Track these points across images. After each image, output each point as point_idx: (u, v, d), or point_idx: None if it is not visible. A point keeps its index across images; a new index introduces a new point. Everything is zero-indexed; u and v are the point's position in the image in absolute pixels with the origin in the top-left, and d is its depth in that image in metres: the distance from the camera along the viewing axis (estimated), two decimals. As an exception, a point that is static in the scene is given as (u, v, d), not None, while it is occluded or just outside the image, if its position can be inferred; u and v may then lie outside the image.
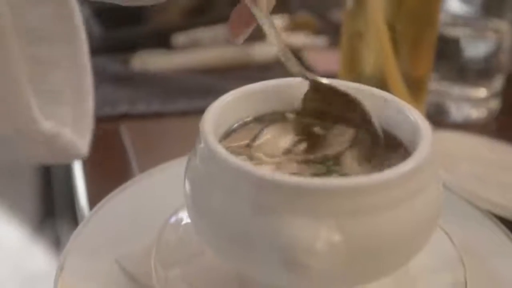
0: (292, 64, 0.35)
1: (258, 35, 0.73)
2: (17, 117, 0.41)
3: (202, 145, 0.32)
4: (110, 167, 0.53)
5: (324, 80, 0.36)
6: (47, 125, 0.42)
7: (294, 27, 0.76)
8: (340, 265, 0.29)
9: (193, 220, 0.33)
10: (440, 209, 0.32)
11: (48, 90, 0.43)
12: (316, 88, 0.36)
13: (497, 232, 0.39)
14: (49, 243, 1.12)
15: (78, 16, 0.45)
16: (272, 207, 0.29)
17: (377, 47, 0.52)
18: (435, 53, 0.55)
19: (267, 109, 0.37)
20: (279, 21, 0.76)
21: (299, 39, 0.74)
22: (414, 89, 0.54)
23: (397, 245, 0.30)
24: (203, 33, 0.70)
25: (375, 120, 0.35)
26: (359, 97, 0.35)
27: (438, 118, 0.58)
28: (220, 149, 0.31)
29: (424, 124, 0.33)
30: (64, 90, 0.45)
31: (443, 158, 0.43)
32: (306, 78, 0.36)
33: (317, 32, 0.76)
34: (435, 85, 0.58)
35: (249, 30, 0.36)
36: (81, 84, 0.46)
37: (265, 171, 0.30)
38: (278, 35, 0.35)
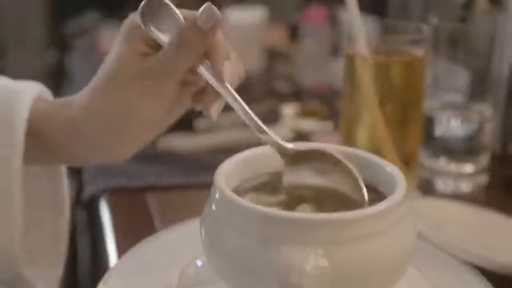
0: (260, 130, 0.42)
1: (271, 119, 0.81)
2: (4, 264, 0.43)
3: (216, 193, 0.39)
4: (138, 233, 0.60)
5: (291, 145, 0.43)
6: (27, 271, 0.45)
7: (305, 114, 0.85)
8: (327, 286, 0.35)
9: (208, 256, 0.40)
10: (414, 243, 0.38)
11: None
12: (283, 152, 0.43)
13: (472, 277, 0.45)
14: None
15: (65, 239, 0.51)
16: (272, 238, 0.36)
17: (372, 125, 0.60)
18: (424, 132, 0.63)
19: (267, 168, 0.44)
20: (292, 108, 0.85)
21: (309, 124, 0.82)
22: (406, 164, 0.61)
23: (376, 272, 0.36)
24: (222, 118, 0.79)
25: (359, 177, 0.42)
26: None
27: (427, 191, 0.64)
28: (230, 193, 0.38)
29: (399, 176, 0.40)
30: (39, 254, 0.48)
31: (429, 220, 0.50)
32: (273, 144, 0.42)
33: (325, 118, 0.84)
34: (425, 161, 0.66)
35: (219, 105, 0.42)
36: (57, 253, 0.50)
37: (266, 209, 0.37)
38: (244, 108, 0.41)
